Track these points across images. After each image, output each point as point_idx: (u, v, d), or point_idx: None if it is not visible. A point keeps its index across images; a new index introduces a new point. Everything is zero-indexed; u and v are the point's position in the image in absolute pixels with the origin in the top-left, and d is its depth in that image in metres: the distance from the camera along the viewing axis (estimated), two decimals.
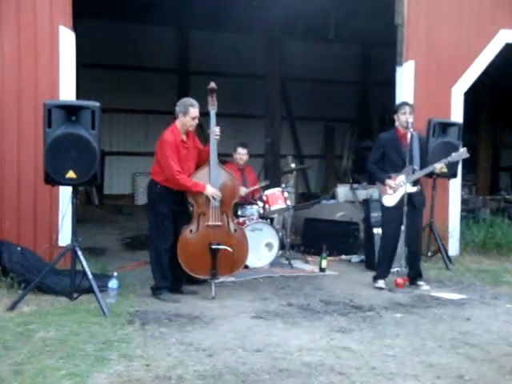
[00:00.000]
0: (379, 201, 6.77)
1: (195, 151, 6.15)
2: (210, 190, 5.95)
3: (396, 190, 6.46)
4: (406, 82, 8.18)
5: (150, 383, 3.75)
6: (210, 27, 13.58)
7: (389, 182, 6.49)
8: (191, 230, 6.00)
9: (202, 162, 6.16)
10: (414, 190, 6.48)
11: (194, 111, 5.97)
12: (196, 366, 4.05)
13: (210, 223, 5.99)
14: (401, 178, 6.45)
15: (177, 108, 6.04)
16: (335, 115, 15.69)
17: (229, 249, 5.95)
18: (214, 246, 5.91)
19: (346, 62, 15.59)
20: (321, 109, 15.27)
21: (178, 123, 6.03)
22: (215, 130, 6.02)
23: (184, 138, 6.03)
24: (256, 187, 8.01)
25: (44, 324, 4.91)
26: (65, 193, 6.41)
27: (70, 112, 5.51)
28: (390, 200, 6.53)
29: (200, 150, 6.19)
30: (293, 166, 8.98)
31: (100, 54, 13.38)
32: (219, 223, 6.03)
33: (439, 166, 6.56)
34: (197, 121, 6.02)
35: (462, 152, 6.71)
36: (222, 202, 6.05)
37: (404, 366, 4.16)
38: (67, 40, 6.87)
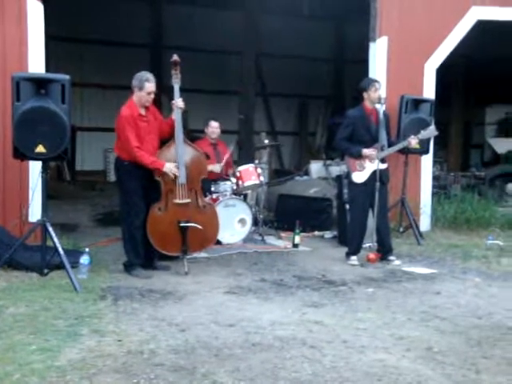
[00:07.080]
0: (347, 178, 6.77)
1: (156, 123, 6.01)
2: (168, 167, 5.83)
3: (369, 162, 6.45)
4: (379, 58, 8.16)
5: (123, 358, 3.73)
6: (185, 1, 13.40)
7: (366, 150, 6.42)
8: (160, 208, 5.93)
9: (164, 134, 6.07)
10: (384, 166, 6.52)
11: (150, 86, 5.81)
12: (169, 341, 4.05)
13: (178, 201, 5.92)
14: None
15: (133, 82, 5.87)
16: (309, 92, 15.70)
17: (198, 226, 5.91)
18: (182, 224, 5.88)
19: (320, 38, 15.55)
20: (295, 85, 15.25)
21: (134, 97, 5.89)
22: (178, 102, 5.90)
23: (142, 111, 5.89)
24: (227, 155, 7.86)
25: (14, 300, 4.86)
26: (35, 168, 6.31)
27: (39, 85, 5.40)
28: (360, 177, 6.54)
29: (161, 122, 6.07)
30: (266, 142, 8.95)
31: (72, 28, 13.14)
32: (187, 201, 5.95)
33: (409, 143, 6.59)
34: (152, 96, 5.87)
35: (431, 130, 6.74)
36: (189, 179, 5.95)
37: (375, 338, 4.21)
38: (36, 11, 6.70)
